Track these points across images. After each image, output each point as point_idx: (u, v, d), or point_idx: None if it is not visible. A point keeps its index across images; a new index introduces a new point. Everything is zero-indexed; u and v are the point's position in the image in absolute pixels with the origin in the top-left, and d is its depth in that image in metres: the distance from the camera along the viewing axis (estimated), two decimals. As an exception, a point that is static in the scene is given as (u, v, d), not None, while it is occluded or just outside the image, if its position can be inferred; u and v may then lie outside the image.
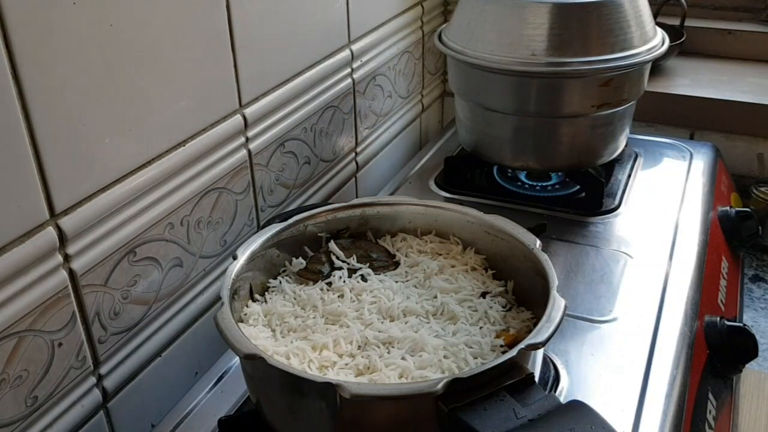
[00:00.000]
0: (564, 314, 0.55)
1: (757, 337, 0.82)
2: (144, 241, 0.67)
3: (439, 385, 0.48)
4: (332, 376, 0.56)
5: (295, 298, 0.65)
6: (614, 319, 0.77)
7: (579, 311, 0.77)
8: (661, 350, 0.73)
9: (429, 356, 0.56)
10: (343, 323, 0.61)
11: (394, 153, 1.20)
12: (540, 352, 0.57)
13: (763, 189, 1.18)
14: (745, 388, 0.96)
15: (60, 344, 0.60)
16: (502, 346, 0.58)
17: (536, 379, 0.52)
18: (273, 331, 0.62)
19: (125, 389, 0.69)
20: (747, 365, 0.85)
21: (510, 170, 1.05)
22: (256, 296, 0.66)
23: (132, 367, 0.69)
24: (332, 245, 0.70)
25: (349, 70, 0.99)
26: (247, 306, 0.64)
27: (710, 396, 0.77)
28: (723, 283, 0.95)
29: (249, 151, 0.80)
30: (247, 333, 0.57)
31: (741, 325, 0.83)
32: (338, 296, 0.64)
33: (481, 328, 0.60)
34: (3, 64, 0.51)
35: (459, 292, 0.64)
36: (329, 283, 0.66)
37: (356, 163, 1.07)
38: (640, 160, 1.09)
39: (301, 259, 0.69)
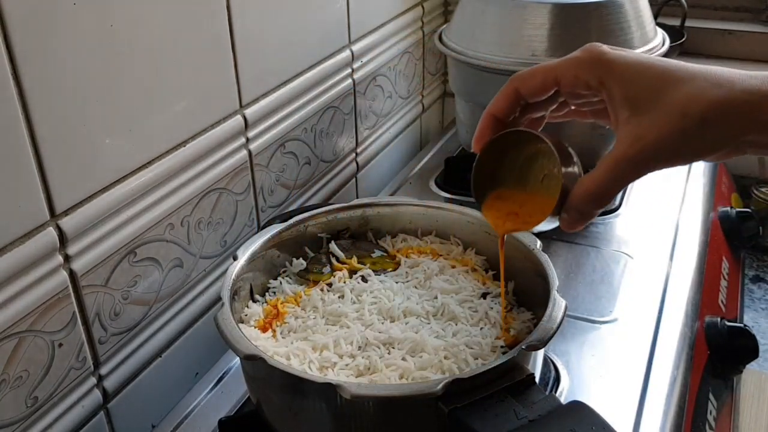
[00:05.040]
0: (564, 315, 0.55)
1: (758, 337, 0.82)
2: (144, 242, 0.67)
3: (440, 386, 0.48)
4: (332, 376, 0.56)
5: (295, 299, 0.65)
6: (615, 320, 0.77)
7: (579, 312, 0.77)
8: (662, 351, 0.73)
9: (429, 357, 0.56)
10: (344, 324, 0.61)
11: (395, 153, 1.20)
12: (540, 353, 0.57)
13: (763, 189, 1.18)
14: (746, 389, 0.97)
15: (60, 345, 0.60)
16: (502, 346, 0.58)
17: (537, 379, 0.52)
18: (273, 331, 0.62)
19: (125, 390, 0.69)
20: (747, 366, 0.85)
21: (510, 171, 1.05)
22: (257, 297, 0.66)
23: (132, 367, 0.69)
24: (333, 246, 0.70)
25: (349, 70, 0.99)
26: (247, 306, 0.64)
27: (711, 396, 0.77)
28: (723, 283, 0.95)
29: (249, 152, 0.80)
30: (247, 333, 0.57)
31: (741, 325, 0.83)
32: (339, 297, 0.64)
33: (481, 328, 0.60)
34: (3, 65, 0.51)
35: (459, 293, 0.64)
36: (330, 284, 0.66)
37: (356, 163, 1.07)
38: (640, 161, 1.09)
39: (301, 260, 0.69)
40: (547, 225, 0.51)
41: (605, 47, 0.48)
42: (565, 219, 0.49)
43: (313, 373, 0.55)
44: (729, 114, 0.43)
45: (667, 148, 0.44)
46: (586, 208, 0.47)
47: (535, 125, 0.54)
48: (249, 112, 0.79)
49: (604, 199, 0.47)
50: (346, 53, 0.97)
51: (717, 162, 0.50)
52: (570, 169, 0.49)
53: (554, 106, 0.53)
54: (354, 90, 1.01)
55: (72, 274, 0.60)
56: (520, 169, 0.54)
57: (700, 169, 1.08)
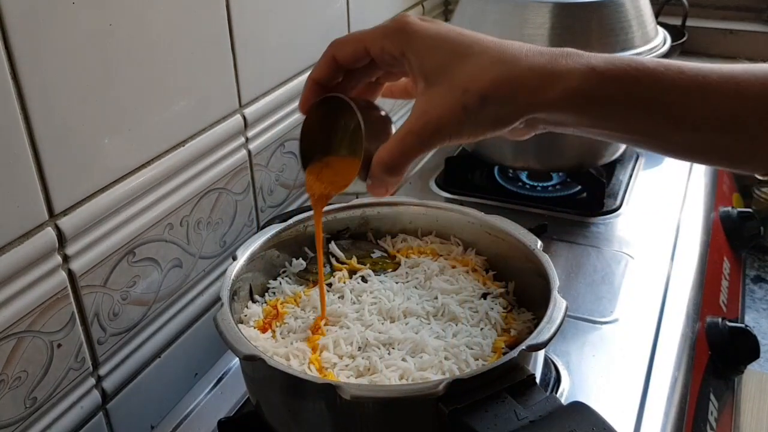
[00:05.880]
0: (565, 315, 0.55)
1: (759, 337, 0.82)
2: (143, 242, 0.67)
3: (440, 387, 0.48)
4: (332, 377, 0.55)
5: (295, 299, 0.65)
6: (615, 320, 0.76)
7: (580, 312, 0.77)
8: (663, 351, 0.72)
9: (429, 357, 0.56)
10: (344, 324, 0.61)
11: (395, 153, 1.20)
12: (541, 353, 0.57)
13: (765, 189, 1.18)
14: (747, 389, 0.96)
15: (59, 345, 0.60)
16: (503, 347, 0.58)
17: (537, 380, 0.52)
18: (273, 332, 0.61)
19: (124, 390, 0.69)
20: (748, 366, 0.85)
21: (511, 170, 1.04)
22: (256, 297, 0.66)
23: (131, 368, 0.69)
24: (333, 246, 0.69)
25: (349, 70, 0.99)
26: (247, 307, 0.64)
27: (712, 397, 0.77)
28: (724, 283, 0.95)
29: (249, 152, 0.80)
30: (246, 334, 0.57)
31: (742, 325, 0.83)
32: (338, 297, 0.64)
33: (481, 329, 0.60)
34: (2, 64, 0.51)
35: (460, 293, 0.64)
36: (329, 284, 0.66)
37: (357, 163, 1.07)
38: (641, 161, 1.09)
39: (301, 260, 0.69)
40: (358, 187, 0.52)
41: (413, 18, 0.47)
42: (369, 185, 0.49)
43: (313, 374, 0.55)
44: (510, 92, 0.43)
45: (449, 123, 0.44)
46: (383, 176, 0.47)
47: (371, 92, 0.54)
48: (248, 111, 0.79)
49: (397, 169, 0.47)
50: (346, 53, 0.97)
51: (518, 139, 0.49)
52: (384, 140, 0.49)
53: (380, 74, 0.52)
54: (354, 90, 1.01)
55: (71, 275, 0.60)
56: (350, 136, 0.54)
57: (701, 168, 1.07)
